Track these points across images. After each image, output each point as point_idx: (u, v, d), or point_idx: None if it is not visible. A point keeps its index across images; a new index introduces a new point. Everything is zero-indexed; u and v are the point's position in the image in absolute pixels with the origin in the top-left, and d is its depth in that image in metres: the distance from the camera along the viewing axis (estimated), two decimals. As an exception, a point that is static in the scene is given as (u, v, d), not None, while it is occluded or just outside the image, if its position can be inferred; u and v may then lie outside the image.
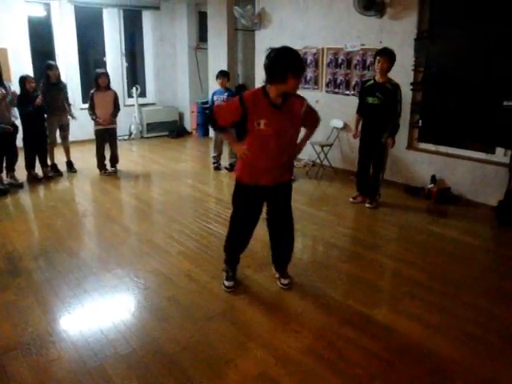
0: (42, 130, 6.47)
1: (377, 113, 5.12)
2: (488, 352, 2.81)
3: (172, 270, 3.84)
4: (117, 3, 9.24)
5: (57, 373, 2.55)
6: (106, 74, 6.68)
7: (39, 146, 6.48)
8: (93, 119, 6.64)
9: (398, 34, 5.96)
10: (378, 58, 5.05)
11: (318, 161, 6.92)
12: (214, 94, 7.09)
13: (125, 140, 9.61)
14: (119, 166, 7.09)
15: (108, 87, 6.69)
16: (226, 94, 6.89)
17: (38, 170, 6.64)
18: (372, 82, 5.20)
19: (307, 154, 7.18)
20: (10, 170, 6.25)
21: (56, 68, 6.62)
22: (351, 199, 5.69)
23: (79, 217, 5.33)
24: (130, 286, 3.59)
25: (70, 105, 6.84)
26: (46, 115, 6.47)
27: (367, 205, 5.46)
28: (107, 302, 3.36)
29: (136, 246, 4.42)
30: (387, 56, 4.98)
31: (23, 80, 6.13)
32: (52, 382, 2.48)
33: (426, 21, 5.80)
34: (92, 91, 6.64)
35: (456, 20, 5.58)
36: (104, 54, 9.55)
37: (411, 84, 5.94)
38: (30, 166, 6.49)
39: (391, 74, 6.01)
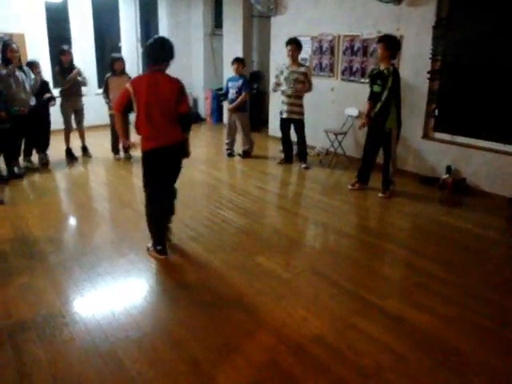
0: (44, 117, 6.43)
1: (379, 100, 5.13)
2: (501, 346, 2.79)
3: (183, 256, 3.87)
4: (132, -11, 9.23)
5: (69, 354, 2.60)
6: (122, 59, 6.70)
7: (41, 133, 6.44)
8: (107, 103, 6.67)
9: (416, 21, 5.85)
10: (378, 44, 5.16)
11: (332, 149, 6.87)
12: (228, 80, 7.07)
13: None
14: (133, 152, 7.08)
15: (123, 72, 6.69)
16: (241, 80, 6.86)
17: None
18: (376, 70, 5.25)
19: (320, 142, 7.14)
20: (27, 154, 6.31)
21: (69, 52, 6.62)
22: (350, 186, 5.70)
23: (93, 201, 5.38)
24: (142, 270, 3.63)
25: (85, 83, 6.86)
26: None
27: (380, 194, 5.42)
28: (120, 286, 3.40)
29: (147, 230, 4.44)
30: (384, 42, 5.06)
31: (30, 66, 6.14)
32: (64, 363, 2.53)
33: (445, 8, 5.67)
34: (107, 75, 6.67)
35: (476, 7, 5.45)
36: (119, 40, 9.55)
37: (428, 73, 5.84)
38: (26, 153, 6.40)
39: (411, 61, 5.96)
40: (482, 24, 5.37)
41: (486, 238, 4.39)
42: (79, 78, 6.65)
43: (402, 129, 5.33)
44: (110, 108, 6.70)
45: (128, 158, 6.95)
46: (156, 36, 3.74)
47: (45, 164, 6.49)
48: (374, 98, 5.24)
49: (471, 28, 5.48)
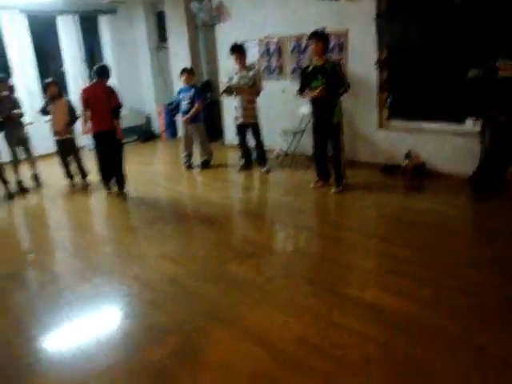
0: None
1: (322, 95, 5.10)
2: (479, 320, 2.79)
3: (153, 274, 3.71)
4: (70, 10, 8.96)
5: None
6: (55, 83, 6.42)
7: None
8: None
9: (359, 14, 5.90)
10: (310, 41, 5.17)
11: (290, 150, 6.83)
12: (179, 91, 6.94)
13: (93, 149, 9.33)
14: (90, 177, 6.70)
15: (60, 95, 6.44)
16: (193, 90, 6.75)
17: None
18: (312, 66, 5.24)
19: (278, 144, 7.09)
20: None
21: (6, 81, 6.37)
22: (312, 184, 5.64)
23: (52, 230, 5.16)
24: (109, 294, 3.46)
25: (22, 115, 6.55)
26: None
27: (333, 190, 5.36)
28: (86, 314, 3.21)
29: (113, 252, 4.28)
30: (317, 37, 5.09)
31: None
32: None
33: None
34: (46, 100, 6.46)
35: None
36: (62, 64, 9.28)
37: (375, 63, 5.91)
38: None
39: (358, 54, 6.03)
40: (419, 12, 5.49)
41: (449, 218, 4.43)
42: (16, 111, 6.37)
43: (357, 120, 5.34)
44: (54, 134, 6.42)
45: (85, 186, 6.58)
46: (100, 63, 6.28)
47: None
48: None
49: (410, 17, 5.59)
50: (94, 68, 5.80)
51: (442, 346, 2.56)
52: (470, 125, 5.32)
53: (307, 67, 5.34)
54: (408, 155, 5.70)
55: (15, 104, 6.38)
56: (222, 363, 2.56)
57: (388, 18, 5.72)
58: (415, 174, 5.56)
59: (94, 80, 5.76)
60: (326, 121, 5.21)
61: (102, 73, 5.72)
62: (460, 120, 5.44)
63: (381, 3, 5.76)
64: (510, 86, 4.23)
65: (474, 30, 5.00)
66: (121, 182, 5.89)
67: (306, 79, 5.26)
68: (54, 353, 2.80)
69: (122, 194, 5.88)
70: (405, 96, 5.93)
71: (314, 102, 5.29)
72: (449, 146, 5.48)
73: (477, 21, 4.97)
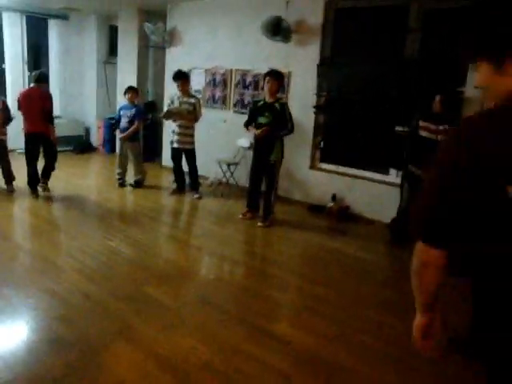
0: None
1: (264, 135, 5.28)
2: (380, 359, 2.95)
3: (66, 289, 3.62)
4: (18, 8, 8.73)
5: None
6: None
7: None
8: None
9: (304, 59, 6.24)
10: (266, 78, 5.33)
11: (224, 179, 6.95)
12: (121, 108, 6.94)
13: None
14: (17, 183, 6.36)
15: None
16: (134, 109, 6.76)
17: None
18: (262, 102, 5.42)
19: (213, 172, 7.19)
20: None
21: None
22: (241, 215, 5.73)
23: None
24: (17, 306, 3.33)
25: None
26: None
27: (259, 223, 5.49)
28: (-11, 325, 3.09)
29: (28, 263, 4.14)
30: (274, 77, 5.28)
31: None
32: None
33: (327, 48, 6.13)
34: None
35: (354, 48, 6.01)
36: (3, 62, 8.98)
37: (314, 107, 6.23)
38: None
39: (299, 96, 6.32)
40: (359, 63, 5.90)
41: (367, 262, 4.68)
42: None
43: (291, 160, 5.54)
44: None
45: (10, 191, 6.26)
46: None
47: None
48: (258, 128, 5.33)
49: (350, 67, 5.99)
50: (32, 73, 6.18)
51: (340, 382, 2.69)
52: (393, 176, 5.71)
53: (258, 101, 5.51)
54: (334, 198, 6.00)
55: None
56: (125, 382, 2.54)
57: (329, 65, 6.09)
58: (340, 217, 5.84)
59: (32, 85, 6.08)
60: (265, 158, 5.36)
61: (40, 79, 6.05)
62: (384, 170, 5.82)
63: (324, 50, 6.14)
64: (428, 145, 4.61)
65: (404, 89, 5.43)
66: (48, 173, 6.14)
67: (254, 114, 5.42)
68: None
69: (45, 186, 6.10)
70: (337, 141, 6.28)
71: (256, 139, 5.44)
72: (373, 192, 5.82)
73: (407, 82, 5.42)
